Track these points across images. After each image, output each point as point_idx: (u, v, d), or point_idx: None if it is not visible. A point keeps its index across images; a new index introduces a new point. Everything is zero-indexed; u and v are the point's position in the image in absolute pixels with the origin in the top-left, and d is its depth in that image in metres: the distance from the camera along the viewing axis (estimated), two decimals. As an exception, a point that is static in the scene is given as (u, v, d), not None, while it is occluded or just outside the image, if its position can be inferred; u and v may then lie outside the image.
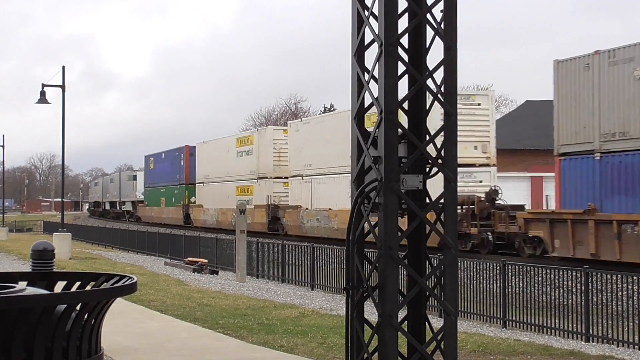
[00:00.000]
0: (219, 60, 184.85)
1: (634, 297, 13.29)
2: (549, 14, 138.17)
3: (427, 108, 5.58)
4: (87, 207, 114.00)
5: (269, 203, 39.48)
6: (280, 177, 40.75)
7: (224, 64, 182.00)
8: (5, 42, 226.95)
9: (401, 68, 5.34)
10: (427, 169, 5.48)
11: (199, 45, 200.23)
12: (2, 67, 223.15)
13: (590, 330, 12.91)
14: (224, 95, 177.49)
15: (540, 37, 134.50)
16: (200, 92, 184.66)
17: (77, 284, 5.67)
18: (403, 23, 5.35)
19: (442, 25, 5.33)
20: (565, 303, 14.17)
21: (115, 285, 5.25)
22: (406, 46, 5.54)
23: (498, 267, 15.62)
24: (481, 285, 15.93)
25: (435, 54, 5.48)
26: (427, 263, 5.55)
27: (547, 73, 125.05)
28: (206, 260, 26.77)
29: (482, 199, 26.69)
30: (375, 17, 5.34)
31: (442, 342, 5.30)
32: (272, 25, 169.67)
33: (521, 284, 15.48)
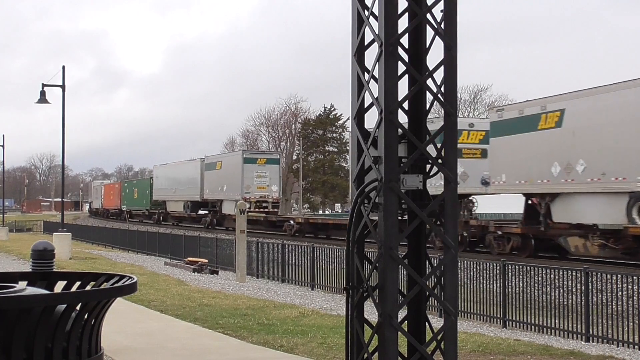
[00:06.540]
0: (233, 57, 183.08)
1: (634, 297, 13.28)
2: (548, 13, 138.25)
3: (427, 108, 5.59)
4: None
5: None
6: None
7: (237, 61, 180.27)
8: (18, 38, 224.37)
9: (401, 68, 5.33)
10: (427, 169, 5.48)
11: (212, 42, 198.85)
12: (14, 64, 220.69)
13: (590, 330, 12.91)
14: (235, 93, 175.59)
15: (540, 36, 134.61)
16: (211, 89, 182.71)
17: (77, 284, 5.66)
18: (403, 23, 5.35)
19: (442, 25, 5.32)
20: (565, 303, 14.17)
21: (116, 285, 5.23)
22: (406, 46, 5.54)
23: (498, 267, 15.62)
24: (481, 285, 15.93)
25: (435, 54, 5.48)
26: (427, 263, 5.55)
27: (547, 73, 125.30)
28: (206, 260, 26.78)
29: None
30: (375, 17, 5.33)
31: (442, 342, 5.30)
32: (289, 22, 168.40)
33: (521, 284, 15.48)
